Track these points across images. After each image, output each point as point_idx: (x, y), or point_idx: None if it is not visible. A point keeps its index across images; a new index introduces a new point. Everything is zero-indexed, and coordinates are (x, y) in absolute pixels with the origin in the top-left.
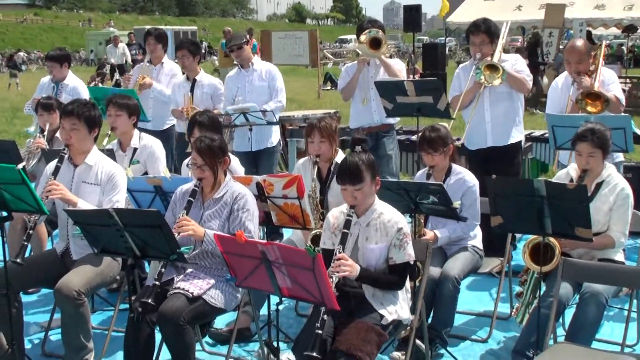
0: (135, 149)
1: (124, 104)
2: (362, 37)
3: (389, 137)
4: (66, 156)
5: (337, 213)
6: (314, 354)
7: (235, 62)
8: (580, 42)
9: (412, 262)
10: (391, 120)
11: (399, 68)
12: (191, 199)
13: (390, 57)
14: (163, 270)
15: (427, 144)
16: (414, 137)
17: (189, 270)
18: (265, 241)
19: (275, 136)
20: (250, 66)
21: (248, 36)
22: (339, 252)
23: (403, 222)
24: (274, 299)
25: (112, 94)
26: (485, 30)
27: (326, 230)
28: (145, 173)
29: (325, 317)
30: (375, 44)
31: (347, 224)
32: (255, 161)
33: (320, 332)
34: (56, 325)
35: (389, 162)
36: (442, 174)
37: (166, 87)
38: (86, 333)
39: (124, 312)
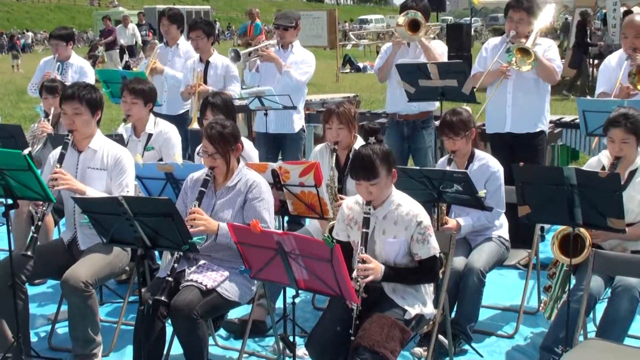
0: (150, 135)
1: (140, 90)
2: (401, 19)
3: (427, 128)
4: (70, 142)
5: (351, 203)
6: (162, 298)
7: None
8: (639, 17)
9: (438, 255)
10: (430, 107)
11: (440, 52)
12: (203, 189)
13: (434, 39)
14: (176, 265)
15: (449, 128)
16: (437, 123)
17: (202, 261)
18: (281, 231)
19: (297, 122)
20: (289, 48)
21: (298, 21)
22: (361, 253)
23: (423, 214)
24: (290, 292)
25: (122, 76)
26: (526, 8)
27: (340, 222)
28: (160, 160)
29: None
30: (414, 26)
31: (366, 222)
32: (279, 146)
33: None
34: (63, 317)
35: (427, 155)
36: (464, 159)
37: (181, 70)
38: (94, 326)
39: (134, 304)
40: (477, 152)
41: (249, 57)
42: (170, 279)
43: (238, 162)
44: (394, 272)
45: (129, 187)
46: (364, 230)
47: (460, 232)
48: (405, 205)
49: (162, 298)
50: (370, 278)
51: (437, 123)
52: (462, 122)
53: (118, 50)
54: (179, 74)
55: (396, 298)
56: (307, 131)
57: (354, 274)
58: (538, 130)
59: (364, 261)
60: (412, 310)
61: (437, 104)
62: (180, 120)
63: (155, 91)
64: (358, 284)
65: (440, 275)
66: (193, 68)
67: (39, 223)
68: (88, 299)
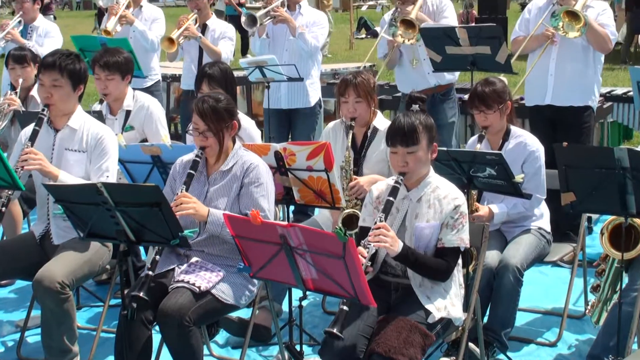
0: (128, 112)
1: (114, 63)
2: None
3: (448, 100)
4: (45, 118)
5: (383, 185)
6: (141, 294)
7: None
8: None
9: (463, 249)
10: (449, 77)
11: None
12: (192, 171)
13: None
14: (158, 257)
15: (480, 101)
16: (466, 97)
17: (194, 259)
18: (285, 223)
19: (313, 94)
20: (297, 9)
21: None
22: (380, 221)
23: (462, 199)
24: (297, 293)
25: (102, 43)
26: None
27: (368, 205)
28: (143, 141)
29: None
30: (409, 23)
31: (394, 191)
32: (290, 124)
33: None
34: (34, 324)
35: (450, 132)
36: (498, 137)
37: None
38: (71, 334)
39: (115, 308)
40: (514, 128)
41: (263, 20)
42: (150, 272)
43: (234, 142)
44: (411, 253)
45: (110, 172)
46: (389, 197)
47: (494, 221)
48: (444, 188)
49: (140, 294)
50: (383, 244)
51: (459, 96)
52: (496, 93)
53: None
54: (151, 34)
55: (421, 296)
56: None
57: (366, 239)
58: (584, 104)
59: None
60: (438, 313)
61: (457, 73)
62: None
63: (132, 60)
64: (367, 250)
65: (471, 273)
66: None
67: (3, 209)
68: (64, 303)
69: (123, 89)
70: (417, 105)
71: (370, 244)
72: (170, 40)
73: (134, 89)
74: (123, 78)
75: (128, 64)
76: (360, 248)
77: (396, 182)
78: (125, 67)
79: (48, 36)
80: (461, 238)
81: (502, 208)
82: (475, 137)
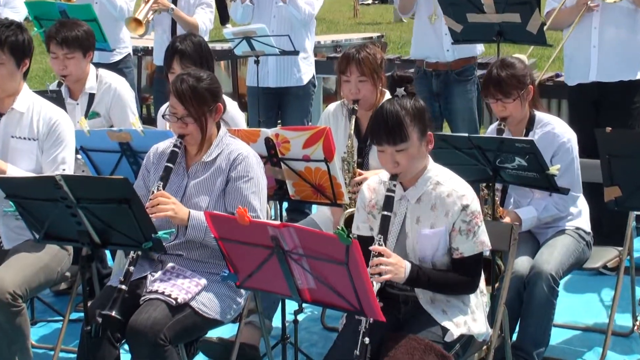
0: (92, 96)
1: (74, 38)
2: None
3: (467, 81)
4: None
5: (375, 184)
6: (113, 313)
7: None
8: None
9: (486, 253)
10: (473, 50)
11: None
12: (170, 164)
13: None
14: (132, 268)
15: (496, 87)
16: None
17: (170, 265)
18: (278, 222)
19: (306, 70)
20: None
21: None
22: (379, 244)
23: (470, 194)
24: (291, 306)
25: (61, 11)
26: None
27: (360, 210)
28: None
29: (367, 340)
30: None
31: (389, 202)
32: (279, 106)
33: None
34: None
35: (470, 118)
36: (520, 127)
37: None
38: (24, 353)
39: (77, 323)
40: (539, 115)
41: None
42: (123, 286)
43: (218, 128)
44: (423, 273)
45: (67, 165)
46: (385, 212)
47: (522, 228)
48: (447, 183)
49: (112, 313)
50: (386, 277)
51: (481, 73)
52: (515, 77)
53: None
54: (122, 0)
55: (435, 312)
56: (317, 84)
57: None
58: (634, 78)
59: (380, 255)
60: (457, 330)
61: (480, 47)
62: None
63: (93, 33)
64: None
65: (497, 282)
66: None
67: None
68: (16, 317)
69: (85, 68)
70: (403, 89)
71: (372, 277)
72: (137, 22)
73: (99, 64)
74: (85, 55)
75: (89, 39)
76: None
77: (389, 190)
78: (87, 43)
79: (8, 6)
80: (481, 241)
81: (530, 212)
82: (493, 127)
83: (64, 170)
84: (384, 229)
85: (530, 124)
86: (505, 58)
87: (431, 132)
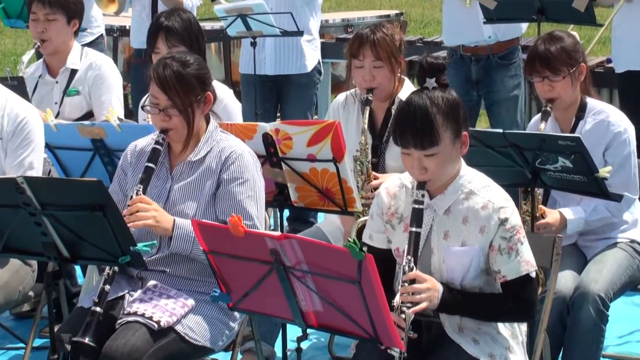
0: (73, 72)
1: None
2: None
3: (509, 66)
4: None
5: (395, 187)
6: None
7: None
8: None
9: (534, 274)
10: (517, 30)
11: None
12: (151, 164)
13: None
14: (108, 287)
15: (543, 62)
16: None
17: (152, 283)
18: (278, 233)
19: (310, 55)
20: None
21: None
22: (409, 268)
23: (509, 206)
24: (294, 332)
25: None
26: None
27: (375, 217)
28: (89, 115)
29: None
30: None
31: (418, 217)
32: (278, 96)
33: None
34: None
35: (512, 111)
36: (569, 113)
37: None
38: None
39: (42, 351)
40: (591, 101)
41: None
42: (98, 309)
43: (207, 122)
44: (460, 297)
45: (36, 170)
46: (414, 229)
47: (567, 231)
48: (482, 192)
49: (85, 340)
50: (422, 306)
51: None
52: (565, 52)
53: None
54: None
55: (464, 341)
56: (324, 70)
57: (396, 300)
58: None
59: (413, 281)
60: None
61: (524, 26)
62: None
63: (81, 1)
64: (403, 316)
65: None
66: None
67: None
68: None
69: (67, 40)
70: (434, 80)
71: (404, 308)
72: None
73: None
74: (69, 22)
75: (77, 5)
76: (394, 316)
77: (416, 201)
78: (73, 8)
79: None
80: (526, 261)
81: (577, 213)
82: (538, 115)
83: (31, 174)
84: (415, 248)
85: (581, 110)
86: (553, 32)
87: (466, 131)
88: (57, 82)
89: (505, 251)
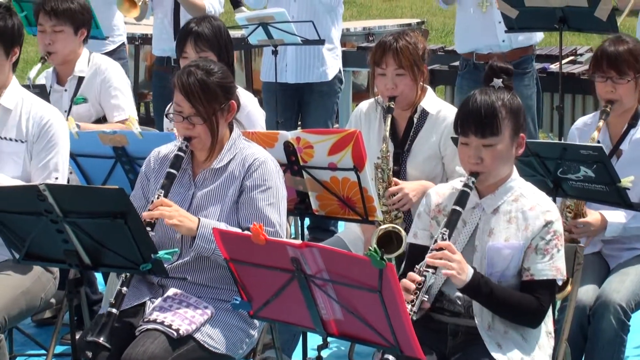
0: (80, 79)
1: (65, 10)
2: None
3: (525, 74)
4: None
5: (445, 189)
6: (101, 340)
7: None
8: None
9: (560, 282)
10: (531, 38)
11: None
12: (173, 170)
13: None
14: (125, 290)
15: (610, 64)
16: (553, 67)
17: (172, 291)
18: (299, 242)
19: (331, 63)
20: None
21: None
22: (442, 239)
23: (555, 213)
24: (314, 340)
25: None
26: None
27: (423, 215)
28: (101, 120)
29: None
30: None
31: (463, 198)
32: (299, 105)
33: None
34: None
35: (527, 118)
36: (623, 119)
37: None
38: None
39: (63, 358)
40: None
41: None
42: (114, 310)
43: (231, 130)
44: (485, 282)
45: (60, 172)
46: (455, 207)
47: (605, 234)
48: (531, 196)
49: (100, 340)
50: (449, 272)
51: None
52: (633, 55)
53: None
54: None
55: (489, 341)
56: (345, 79)
57: (422, 263)
58: None
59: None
60: None
61: (540, 35)
62: None
63: (89, 8)
64: (423, 279)
65: (557, 313)
66: None
67: None
68: None
69: (75, 49)
70: (501, 80)
71: (428, 271)
72: (132, 3)
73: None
74: (76, 32)
75: (84, 13)
76: (414, 274)
77: (466, 185)
78: (80, 18)
79: None
80: (557, 267)
81: (618, 217)
82: (589, 116)
83: (56, 179)
84: (452, 223)
85: (634, 118)
86: (619, 35)
87: (524, 135)
88: (65, 90)
89: (541, 252)
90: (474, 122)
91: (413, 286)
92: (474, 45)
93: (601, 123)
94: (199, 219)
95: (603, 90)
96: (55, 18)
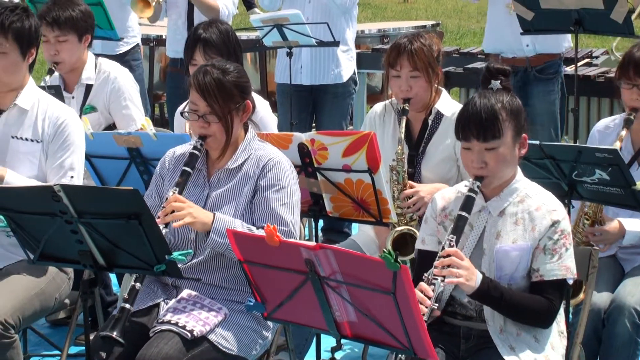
0: (89, 87)
1: (67, 19)
2: None
3: (550, 80)
4: None
5: (451, 193)
6: (114, 335)
7: None
8: None
9: (570, 281)
10: (558, 45)
11: None
12: (188, 169)
13: None
14: (138, 285)
15: (636, 70)
16: (569, 69)
17: (186, 292)
18: (313, 243)
19: (346, 65)
20: None
21: None
22: (449, 245)
23: (561, 212)
24: (327, 342)
25: None
26: None
27: (429, 220)
28: (111, 127)
29: None
30: None
31: (468, 203)
32: (314, 106)
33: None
34: None
35: (549, 126)
36: None
37: None
38: None
39: (77, 359)
40: None
41: None
42: (127, 305)
43: (246, 131)
44: (494, 287)
45: (76, 171)
46: (461, 212)
47: (623, 241)
48: (537, 197)
49: (113, 334)
50: (457, 280)
51: (567, 69)
52: None
53: None
54: None
55: (502, 346)
56: (359, 81)
57: (429, 273)
58: None
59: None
60: None
61: (568, 42)
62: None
63: (91, 14)
64: (432, 288)
65: (571, 316)
66: None
67: None
68: (7, 350)
69: (80, 55)
70: (499, 82)
71: (436, 279)
72: (145, 3)
73: (103, 56)
74: (80, 39)
75: (87, 20)
76: (423, 285)
77: (471, 190)
78: (84, 25)
79: None
80: (566, 266)
81: (635, 224)
82: (611, 118)
83: (72, 178)
84: (459, 229)
85: None
86: None
87: (526, 134)
88: (73, 97)
89: (549, 252)
90: (475, 127)
91: (428, 302)
92: (499, 46)
93: (624, 132)
94: (214, 214)
95: (629, 97)
96: (58, 28)
